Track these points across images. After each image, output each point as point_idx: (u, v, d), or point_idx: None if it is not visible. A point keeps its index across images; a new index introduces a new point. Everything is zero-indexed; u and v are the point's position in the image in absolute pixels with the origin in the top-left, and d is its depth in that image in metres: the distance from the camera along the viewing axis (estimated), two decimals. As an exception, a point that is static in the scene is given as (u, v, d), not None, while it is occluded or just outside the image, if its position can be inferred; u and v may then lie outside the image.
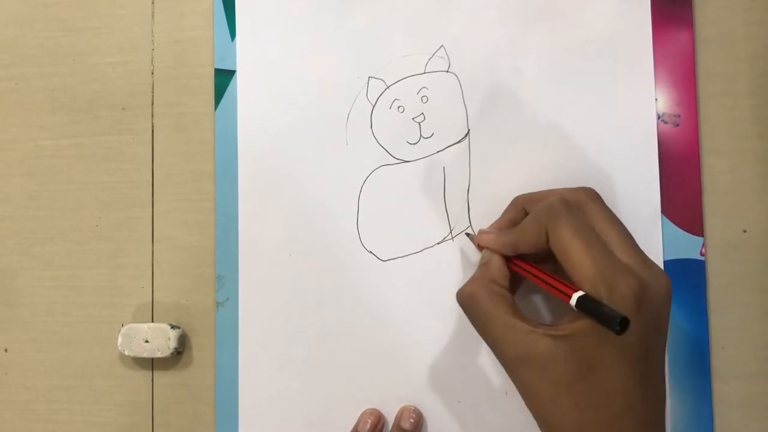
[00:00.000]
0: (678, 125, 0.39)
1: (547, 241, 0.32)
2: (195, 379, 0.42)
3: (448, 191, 0.40)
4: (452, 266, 0.40)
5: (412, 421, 0.39)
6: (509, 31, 0.41)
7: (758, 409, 0.38)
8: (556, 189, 0.36)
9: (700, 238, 0.39)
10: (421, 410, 0.40)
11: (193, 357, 0.42)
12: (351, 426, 0.40)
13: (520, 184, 0.39)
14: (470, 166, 0.40)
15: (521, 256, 0.35)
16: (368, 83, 0.41)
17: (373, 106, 0.41)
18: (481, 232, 0.37)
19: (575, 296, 0.30)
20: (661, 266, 0.39)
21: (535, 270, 0.34)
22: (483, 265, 0.36)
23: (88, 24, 0.44)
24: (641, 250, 0.32)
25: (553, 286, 0.32)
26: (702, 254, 0.39)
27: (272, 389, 0.41)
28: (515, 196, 0.38)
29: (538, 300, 0.39)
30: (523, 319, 0.32)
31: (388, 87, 0.41)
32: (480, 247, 0.38)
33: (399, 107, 0.41)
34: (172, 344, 0.41)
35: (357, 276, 0.41)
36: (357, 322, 0.41)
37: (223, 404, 0.41)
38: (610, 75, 0.40)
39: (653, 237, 0.39)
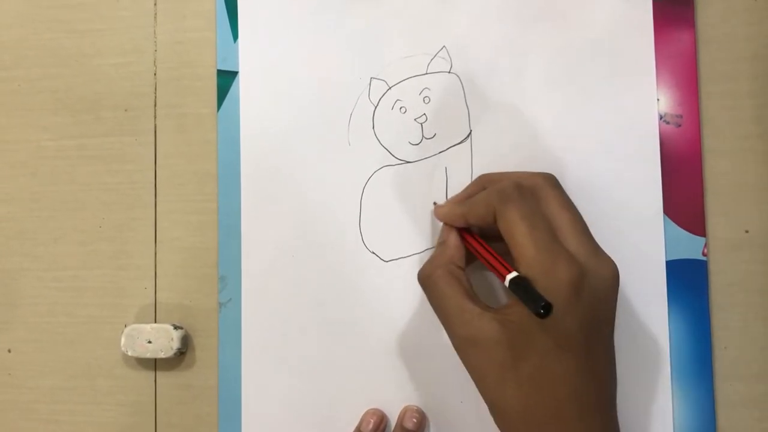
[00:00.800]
0: (680, 126, 0.39)
1: (495, 221, 0.33)
2: (198, 379, 0.42)
3: (450, 191, 0.40)
4: (454, 267, 0.40)
5: (414, 420, 0.39)
6: (511, 32, 0.41)
7: (761, 410, 0.38)
8: (516, 172, 0.37)
9: (702, 239, 0.39)
10: (424, 410, 0.40)
11: (196, 357, 0.42)
12: (354, 426, 0.40)
13: (522, 184, 0.39)
14: (472, 167, 0.40)
15: (473, 232, 0.36)
16: (370, 84, 0.41)
17: (375, 107, 0.41)
18: (437, 205, 0.39)
19: (509, 277, 0.31)
20: (663, 267, 0.39)
21: (480, 247, 0.35)
22: (441, 245, 0.37)
23: (91, 25, 0.44)
24: (592, 238, 0.33)
25: (493, 265, 0.33)
26: (704, 254, 0.39)
27: (275, 390, 0.41)
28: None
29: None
30: (475, 302, 0.33)
31: (390, 88, 0.41)
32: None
33: (401, 108, 0.41)
34: (175, 345, 0.41)
35: (359, 276, 0.41)
36: (359, 322, 0.41)
37: (225, 405, 0.41)
38: (611, 75, 0.40)
39: (655, 237, 0.39)
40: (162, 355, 0.41)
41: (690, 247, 0.39)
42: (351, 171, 0.41)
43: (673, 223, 0.39)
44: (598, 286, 0.31)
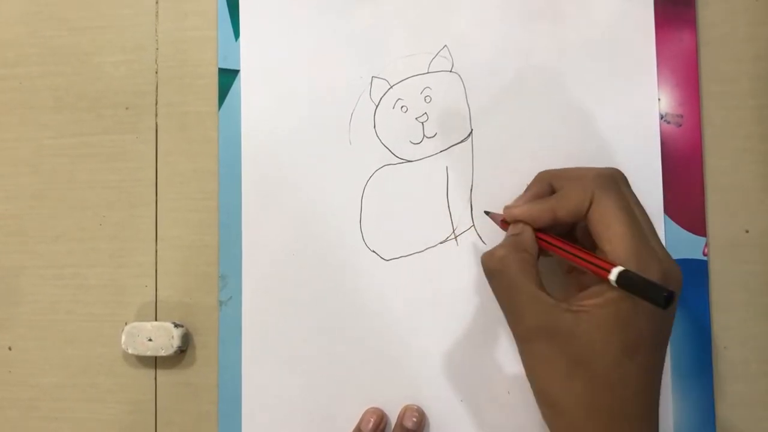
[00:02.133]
0: (681, 125, 0.39)
1: (587, 210, 0.32)
2: (198, 377, 0.42)
3: (451, 191, 0.40)
4: (455, 266, 0.40)
5: (414, 420, 0.39)
6: (512, 31, 0.41)
7: (761, 409, 0.38)
8: (587, 167, 0.35)
9: (703, 238, 0.39)
10: (424, 409, 0.40)
11: (197, 355, 0.42)
12: (354, 425, 0.40)
13: (523, 183, 0.39)
14: (473, 166, 0.40)
15: (547, 233, 0.34)
16: (371, 83, 0.41)
17: (377, 106, 0.41)
18: (508, 207, 0.35)
19: (615, 271, 0.29)
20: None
21: (568, 245, 0.33)
22: (514, 236, 0.34)
23: (92, 23, 0.44)
24: (660, 239, 0.32)
25: (590, 261, 0.31)
26: (705, 254, 0.39)
27: (275, 388, 0.41)
28: (521, 192, 0.37)
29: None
30: (547, 293, 0.32)
31: (391, 87, 0.41)
32: (504, 226, 0.36)
33: (402, 107, 0.41)
34: (176, 343, 0.41)
35: (360, 275, 0.41)
36: (360, 321, 0.41)
37: (226, 402, 0.41)
38: (613, 75, 0.40)
39: (656, 237, 0.39)
40: (162, 353, 0.41)
41: (690, 246, 0.39)
42: (352, 170, 0.41)
43: (673, 223, 0.39)
44: (673, 289, 0.30)
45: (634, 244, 0.30)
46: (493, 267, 0.33)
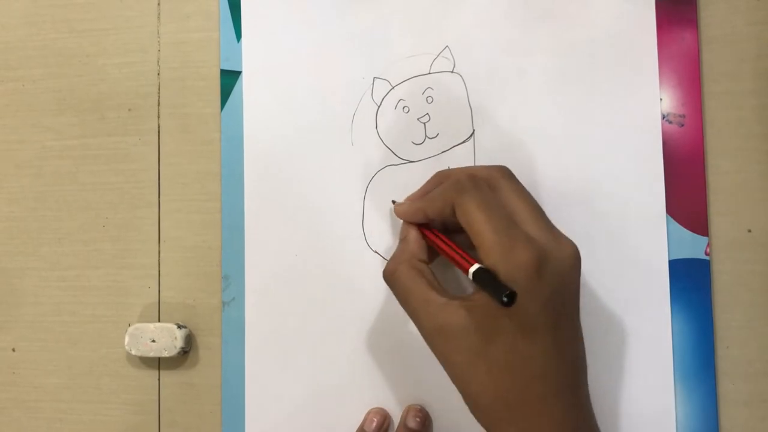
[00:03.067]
0: (683, 125, 0.39)
1: (454, 213, 0.34)
2: (201, 378, 0.42)
3: (453, 191, 0.40)
4: (457, 266, 0.40)
5: (418, 420, 0.39)
6: (514, 32, 0.41)
7: (763, 409, 0.38)
8: (471, 166, 0.38)
9: (705, 238, 0.39)
10: (427, 409, 0.40)
11: (200, 356, 0.42)
12: (357, 425, 0.40)
13: (525, 183, 0.38)
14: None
15: (433, 228, 0.37)
16: (373, 84, 0.41)
17: (378, 107, 0.41)
18: (396, 203, 0.38)
19: (471, 269, 0.31)
20: (666, 266, 0.39)
21: (441, 242, 0.35)
22: (402, 241, 0.37)
23: (95, 25, 0.44)
24: (550, 223, 0.34)
25: (454, 258, 0.33)
26: (707, 254, 0.39)
27: (278, 388, 0.41)
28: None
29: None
30: (440, 292, 0.33)
31: (393, 87, 0.41)
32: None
33: (404, 108, 0.41)
34: (179, 344, 0.41)
35: (362, 276, 0.41)
36: (363, 321, 0.41)
37: (229, 403, 0.41)
38: (615, 75, 0.40)
39: (658, 237, 0.39)
40: (166, 354, 0.41)
41: (693, 246, 0.39)
42: (354, 171, 0.41)
43: (675, 223, 0.39)
44: (559, 268, 0.32)
45: (496, 237, 0.31)
46: (387, 280, 0.35)
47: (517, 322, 0.31)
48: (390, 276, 0.35)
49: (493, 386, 0.32)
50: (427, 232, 0.37)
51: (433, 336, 0.33)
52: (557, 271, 0.32)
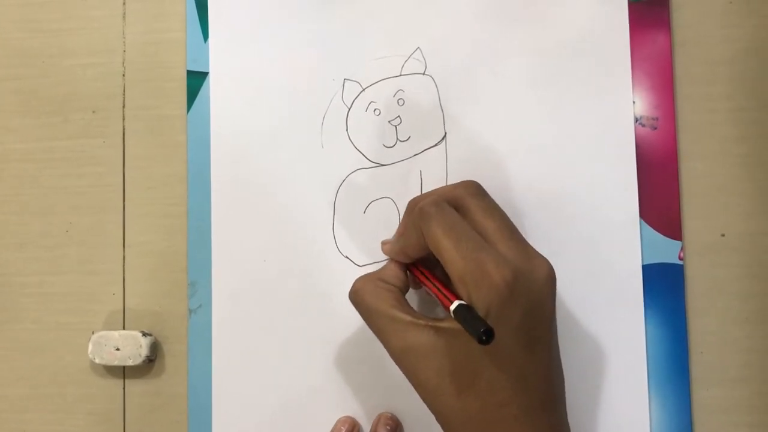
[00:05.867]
0: (656, 128, 0.39)
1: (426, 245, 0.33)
2: (167, 387, 0.41)
3: (425, 195, 0.40)
4: (429, 271, 0.39)
5: (388, 428, 0.38)
6: (486, 33, 0.40)
7: (738, 415, 0.38)
8: (438, 188, 0.36)
9: (679, 242, 0.38)
10: (399, 417, 0.39)
11: (166, 365, 0.41)
12: (326, 434, 0.39)
13: (497, 187, 0.38)
14: (447, 170, 0.40)
15: (420, 262, 0.36)
16: (344, 85, 0.41)
17: (349, 109, 0.41)
18: (382, 242, 0.38)
19: (452, 308, 0.30)
20: (640, 271, 0.38)
21: (424, 278, 0.34)
22: (378, 269, 0.37)
23: (59, 25, 0.43)
24: (522, 240, 0.33)
25: (436, 296, 0.33)
26: (680, 258, 0.38)
27: (246, 397, 0.40)
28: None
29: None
30: (406, 312, 0.33)
31: (363, 89, 0.41)
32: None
33: (375, 110, 0.40)
34: (144, 352, 0.40)
35: (333, 281, 0.40)
36: (333, 328, 0.40)
37: (196, 412, 0.40)
38: (587, 77, 0.39)
39: (631, 241, 0.38)
40: (130, 362, 0.40)
41: (666, 251, 0.38)
42: (324, 174, 0.41)
43: (649, 227, 0.39)
44: (533, 289, 0.31)
45: (464, 263, 0.30)
46: (352, 299, 0.35)
47: (486, 348, 0.30)
48: (353, 294, 0.35)
49: (462, 408, 0.31)
50: (413, 269, 0.36)
51: (401, 356, 0.32)
52: (530, 291, 0.31)
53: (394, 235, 0.38)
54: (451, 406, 0.31)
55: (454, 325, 0.31)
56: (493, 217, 0.33)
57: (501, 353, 0.30)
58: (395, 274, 0.35)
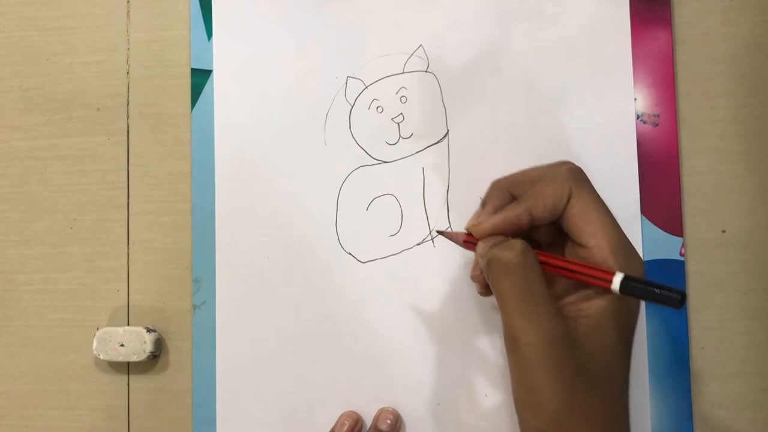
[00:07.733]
0: (657, 125, 0.39)
1: (564, 206, 0.30)
2: (172, 383, 0.42)
3: (428, 192, 0.40)
4: (432, 268, 0.40)
5: (389, 422, 0.38)
6: (488, 31, 0.40)
7: (738, 410, 0.38)
8: (540, 165, 0.33)
9: (680, 239, 0.39)
10: (400, 412, 0.39)
11: (170, 361, 0.42)
12: (329, 428, 0.39)
13: (500, 184, 0.38)
14: (449, 167, 0.40)
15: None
16: (347, 83, 0.41)
17: (352, 107, 0.41)
18: (475, 224, 0.32)
19: (617, 279, 0.28)
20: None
21: (559, 260, 0.30)
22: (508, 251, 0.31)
23: (63, 23, 0.44)
24: None
25: (586, 274, 0.29)
26: (681, 254, 0.39)
27: (250, 393, 0.40)
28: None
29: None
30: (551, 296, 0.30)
31: (366, 87, 0.41)
32: (467, 245, 0.33)
33: (378, 107, 0.41)
34: (148, 348, 0.40)
35: (336, 278, 0.40)
36: (336, 324, 0.40)
37: (200, 408, 0.41)
38: (589, 75, 0.39)
39: (633, 237, 0.38)
40: (135, 358, 0.41)
41: (667, 247, 0.39)
42: (327, 171, 0.41)
43: (650, 224, 0.39)
44: None
45: (618, 235, 0.30)
46: (514, 261, 0.29)
47: (617, 333, 0.29)
48: (519, 255, 0.29)
49: (586, 403, 0.28)
50: (540, 254, 0.31)
51: (550, 344, 0.28)
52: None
53: (488, 212, 0.32)
54: (576, 401, 0.28)
55: (596, 314, 0.29)
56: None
57: (622, 343, 0.29)
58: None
